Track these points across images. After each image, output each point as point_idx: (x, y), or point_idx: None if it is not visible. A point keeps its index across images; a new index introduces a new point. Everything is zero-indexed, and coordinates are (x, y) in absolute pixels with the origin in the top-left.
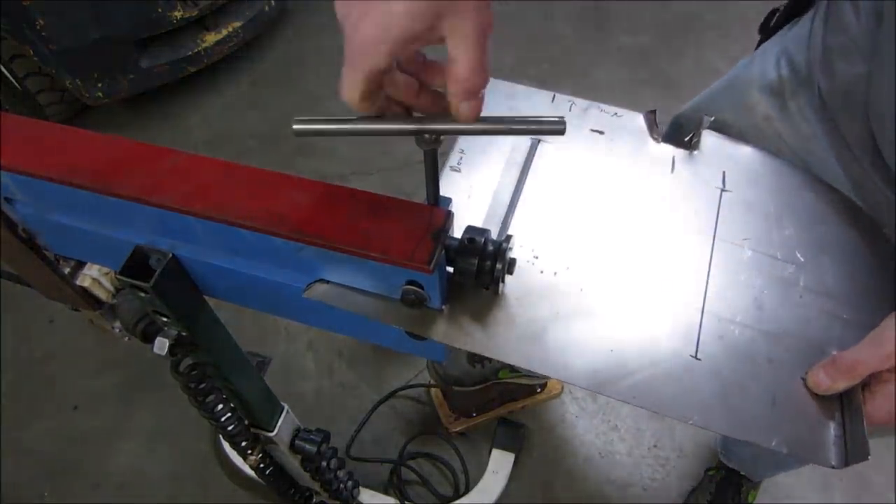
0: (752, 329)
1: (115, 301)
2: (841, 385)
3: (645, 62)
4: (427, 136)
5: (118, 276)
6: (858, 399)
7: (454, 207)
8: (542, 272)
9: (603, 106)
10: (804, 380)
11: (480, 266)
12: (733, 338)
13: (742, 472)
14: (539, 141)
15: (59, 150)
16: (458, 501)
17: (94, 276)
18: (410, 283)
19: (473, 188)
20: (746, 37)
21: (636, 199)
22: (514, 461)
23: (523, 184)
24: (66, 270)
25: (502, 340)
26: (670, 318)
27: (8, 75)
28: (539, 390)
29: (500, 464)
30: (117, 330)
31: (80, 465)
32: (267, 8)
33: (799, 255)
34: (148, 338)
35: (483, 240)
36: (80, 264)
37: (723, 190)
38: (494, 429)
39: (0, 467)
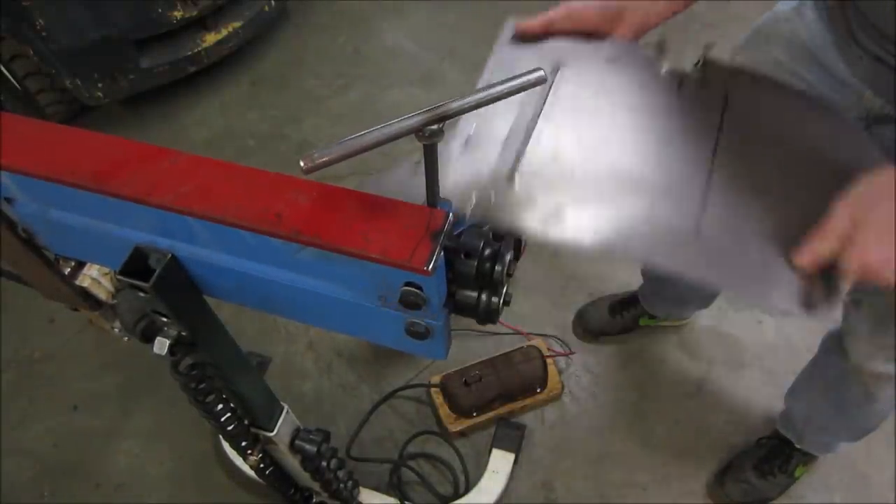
0: (750, 209)
1: (114, 301)
2: (824, 250)
3: None
4: (427, 129)
5: (118, 276)
6: (839, 265)
7: (480, 117)
8: (561, 169)
9: (617, 41)
10: (793, 261)
11: (479, 268)
12: (734, 216)
13: (797, 446)
14: (560, 67)
15: (60, 150)
16: (458, 501)
17: (94, 277)
18: (409, 284)
19: (497, 107)
20: None
21: (646, 115)
22: (514, 461)
23: (543, 103)
24: (66, 270)
25: (526, 218)
26: (674, 202)
27: (8, 75)
28: (539, 390)
29: (500, 464)
30: (117, 330)
31: (80, 465)
32: (267, 8)
33: (794, 162)
34: (148, 338)
35: (481, 242)
36: (80, 264)
37: (725, 108)
38: (494, 429)
39: (0, 467)
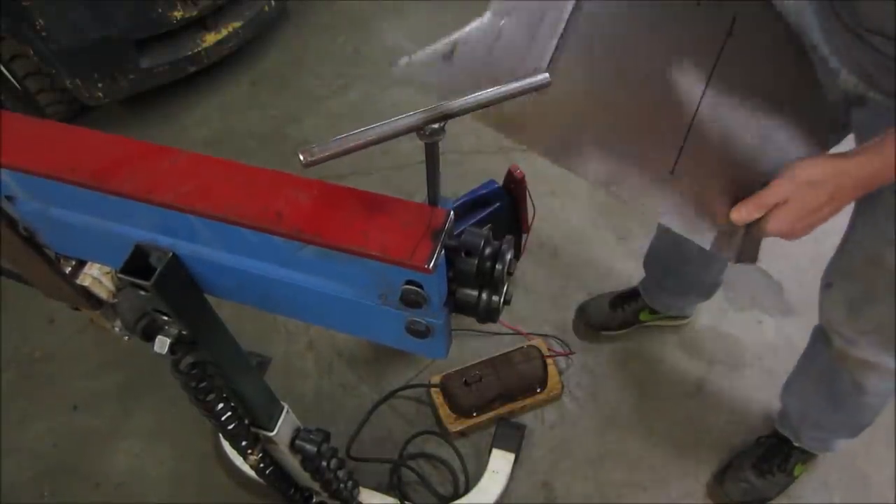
0: (715, 157)
1: (115, 300)
2: (754, 214)
3: None
4: (428, 128)
5: (119, 275)
6: (762, 220)
7: (500, 38)
8: (569, 91)
9: None
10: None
11: (480, 267)
12: (701, 164)
13: (795, 444)
14: None
15: (60, 149)
16: (458, 501)
17: (95, 275)
18: (410, 282)
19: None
20: None
21: (658, 41)
22: (514, 461)
23: (562, 31)
24: (67, 269)
25: (542, 136)
26: (660, 135)
27: (8, 75)
28: (539, 390)
29: (500, 464)
30: (118, 329)
31: (80, 465)
32: (267, 8)
33: (780, 99)
34: (148, 337)
35: (482, 241)
36: (81, 263)
37: (729, 34)
38: (494, 429)
39: (0, 467)
